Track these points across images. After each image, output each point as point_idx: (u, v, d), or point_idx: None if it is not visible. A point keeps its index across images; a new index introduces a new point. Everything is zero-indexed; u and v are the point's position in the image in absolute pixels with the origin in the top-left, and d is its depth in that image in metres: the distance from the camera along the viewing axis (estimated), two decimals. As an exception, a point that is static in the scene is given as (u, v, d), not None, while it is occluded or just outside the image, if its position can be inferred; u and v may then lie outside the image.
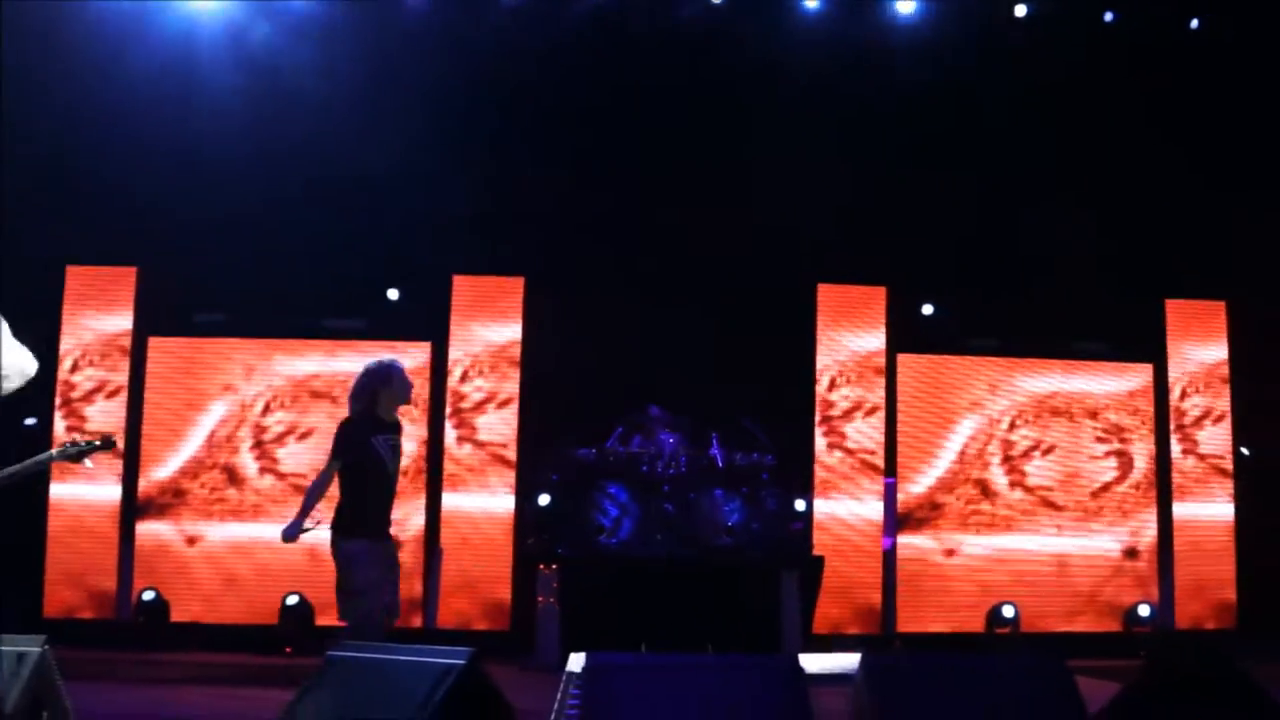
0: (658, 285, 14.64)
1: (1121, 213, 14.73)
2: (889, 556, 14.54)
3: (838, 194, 14.15)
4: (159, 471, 14.04)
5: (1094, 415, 15.05)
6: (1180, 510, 14.95)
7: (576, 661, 6.18)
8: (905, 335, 14.89)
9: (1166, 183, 14.69)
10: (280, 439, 14.14)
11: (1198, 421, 15.16)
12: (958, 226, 14.68)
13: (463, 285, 14.36)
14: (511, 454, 14.12)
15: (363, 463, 8.33)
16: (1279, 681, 7.36)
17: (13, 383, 7.03)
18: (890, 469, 14.63)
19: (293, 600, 13.59)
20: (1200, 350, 15.25)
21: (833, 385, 14.60)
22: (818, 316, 14.68)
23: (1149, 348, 15.22)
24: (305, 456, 14.01)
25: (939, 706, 6.33)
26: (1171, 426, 15.10)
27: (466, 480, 14.03)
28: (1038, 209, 14.68)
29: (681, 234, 14.44)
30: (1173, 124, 14.77)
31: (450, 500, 14.00)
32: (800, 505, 14.35)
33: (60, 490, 13.75)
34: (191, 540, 14.00)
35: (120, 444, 13.09)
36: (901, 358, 14.79)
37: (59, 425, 13.66)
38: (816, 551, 13.89)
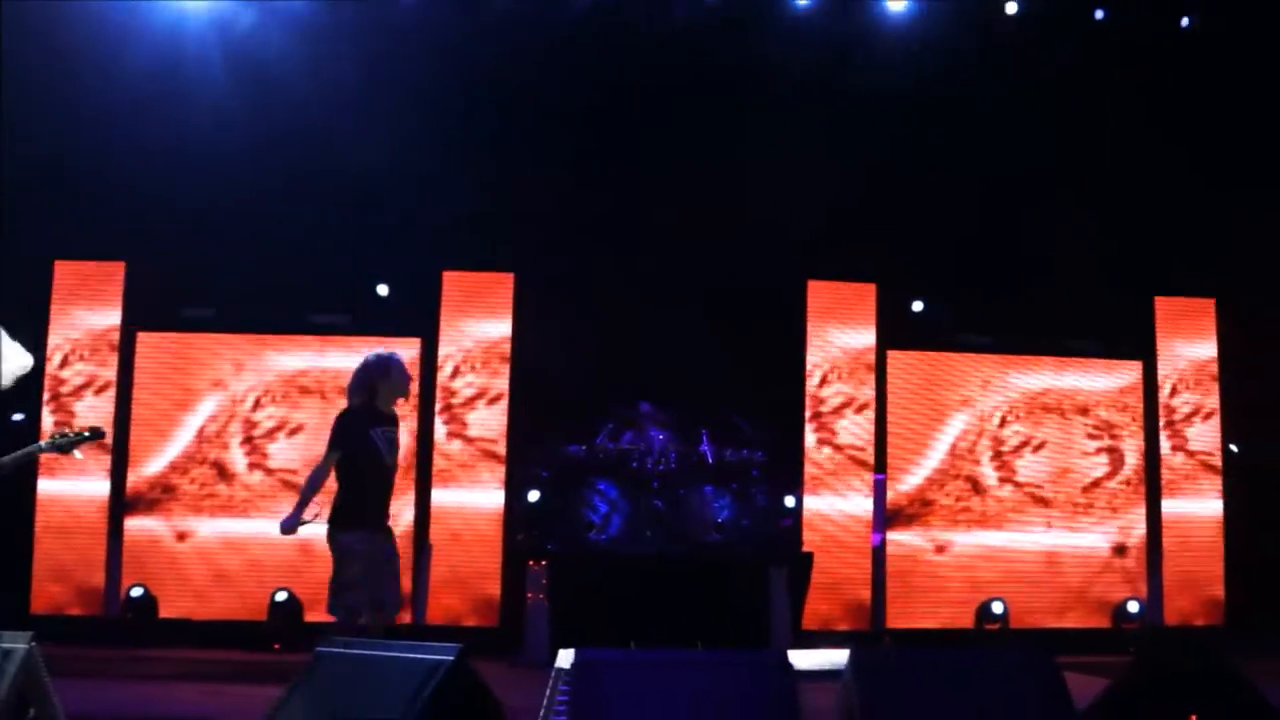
0: (648, 281, 14.67)
1: (1112, 210, 14.75)
2: (878, 553, 14.54)
3: (828, 191, 14.18)
4: (148, 467, 14.01)
5: (1084, 412, 15.06)
6: (1170, 507, 14.97)
7: (566, 658, 6.17)
8: (896, 332, 14.89)
9: (1157, 180, 14.73)
10: (270, 434, 14.11)
11: (1187, 418, 15.18)
12: (948, 223, 14.71)
13: (453, 281, 14.34)
14: (501, 450, 14.11)
15: (360, 455, 8.36)
16: (1267, 677, 7.36)
17: (8, 379, 7.02)
18: (880, 465, 14.63)
19: (282, 596, 13.58)
20: (1190, 347, 15.27)
21: (823, 382, 14.60)
22: (808, 313, 14.67)
23: (1139, 345, 15.23)
24: (295, 452, 14.00)
25: (928, 702, 6.33)
26: (1161, 423, 15.11)
27: (456, 476, 14.01)
28: (1028, 206, 14.72)
29: (672, 230, 14.46)
30: (1163, 122, 14.81)
31: (440, 496, 13.98)
32: (790, 502, 14.38)
33: (48, 486, 13.73)
34: (181, 536, 13.97)
35: (109, 439, 13.14)
36: (892, 354, 14.79)
37: (47, 421, 13.62)
38: (806, 548, 13.90)
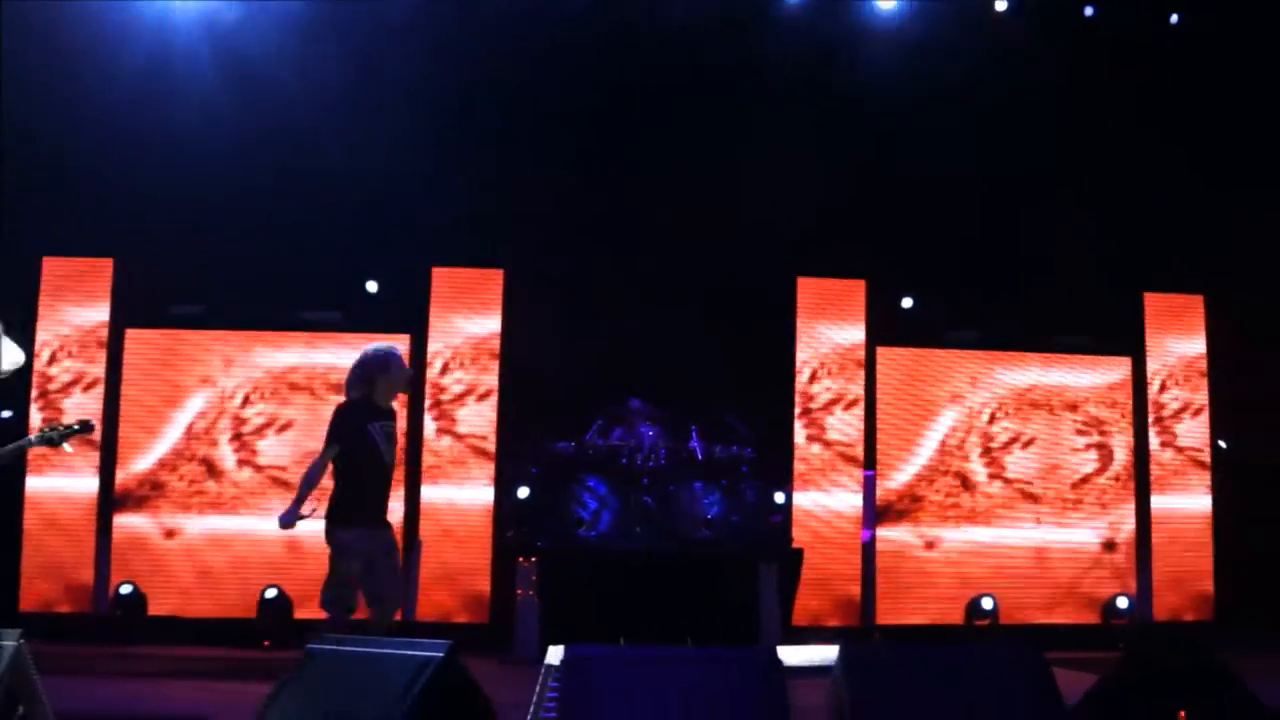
0: (638, 277, 14.68)
1: (1101, 206, 14.75)
2: (868, 549, 14.54)
3: (817, 188, 14.19)
4: (137, 464, 13.97)
5: (1074, 408, 15.08)
6: (1159, 503, 14.98)
7: (555, 654, 6.18)
8: (885, 328, 14.89)
9: (1146, 176, 14.74)
10: (259, 431, 14.08)
11: (1176, 414, 15.20)
12: (938, 220, 14.71)
13: (442, 277, 14.32)
14: (491, 446, 14.09)
15: (359, 450, 8.34)
16: (1256, 672, 7.39)
17: (2, 374, 7.03)
18: (870, 462, 14.63)
19: (271, 593, 13.55)
20: (1179, 343, 15.29)
21: (813, 378, 14.60)
22: (798, 310, 14.67)
23: (1128, 341, 15.24)
24: (284, 449, 13.98)
25: (917, 698, 6.34)
26: (1150, 419, 15.13)
27: (446, 472, 13.99)
28: (1018, 203, 14.74)
29: (662, 227, 14.47)
30: (1153, 118, 14.82)
31: (429, 492, 13.96)
32: (780, 498, 14.36)
33: (36, 483, 13.69)
34: (170, 533, 13.94)
35: (97, 436, 13.13)
36: (881, 351, 14.79)
37: (35, 418, 13.58)
38: (796, 544, 13.89)
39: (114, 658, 12.18)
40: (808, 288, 14.75)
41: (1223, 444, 15.33)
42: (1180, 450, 15.13)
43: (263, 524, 13.72)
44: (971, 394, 14.91)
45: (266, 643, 13.21)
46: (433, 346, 14.11)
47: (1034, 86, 14.78)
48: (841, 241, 14.75)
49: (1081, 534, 14.91)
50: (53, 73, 13.55)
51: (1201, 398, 15.23)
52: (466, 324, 14.20)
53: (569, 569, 12.89)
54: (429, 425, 14.02)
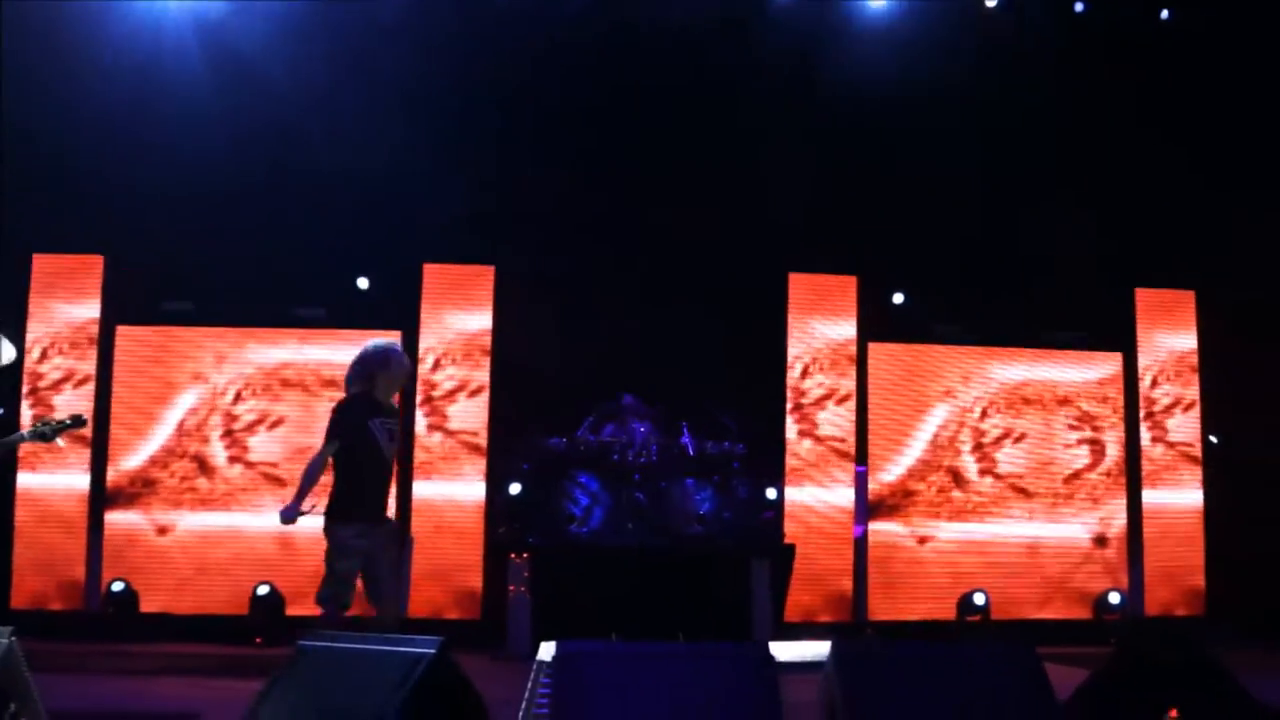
0: (629, 273, 14.69)
1: (1092, 202, 14.76)
2: (860, 544, 14.56)
3: (808, 184, 14.19)
4: (128, 461, 13.97)
5: (1065, 403, 15.10)
6: (1150, 498, 15.02)
7: (547, 650, 6.17)
8: (876, 324, 14.91)
9: (1137, 172, 14.75)
10: (251, 428, 14.08)
11: (1168, 410, 15.22)
12: (929, 216, 14.71)
13: (433, 274, 14.32)
14: (483, 442, 14.10)
15: (359, 446, 8.30)
16: (1247, 667, 7.40)
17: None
18: (861, 457, 14.65)
19: (263, 590, 13.55)
20: (1170, 339, 15.31)
21: (804, 374, 14.61)
22: (789, 305, 14.68)
23: (1120, 336, 15.27)
24: (276, 445, 13.99)
25: (909, 694, 6.34)
26: (1142, 415, 15.16)
27: (438, 469, 14.00)
28: (1010, 199, 14.76)
29: (653, 223, 14.47)
30: (1144, 114, 14.83)
31: (421, 489, 13.96)
32: (772, 493, 14.37)
33: (28, 480, 13.68)
34: (162, 530, 13.94)
35: (89, 432, 13.12)
36: (873, 346, 14.81)
37: (26, 415, 13.57)
38: (788, 540, 13.90)
39: (106, 655, 12.16)
40: (799, 283, 14.76)
41: (1214, 439, 15.35)
42: (1171, 445, 15.16)
43: (254, 520, 13.75)
44: (963, 389, 14.93)
45: (258, 639, 13.21)
46: (424, 343, 14.10)
47: (1026, 83, 14.80)
48: (833, 237, 14.75)
49: (1073, 529, 14.94)
50: (44, 70, 13.53)
51: (1193, 393, 15.26)
52: (458, 320, 14.21)
53: (561, 565, 12.89)
54: (420, 421, 14.02)
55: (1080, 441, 15.10)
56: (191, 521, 13.93)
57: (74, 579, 13.70)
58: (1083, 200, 14.71)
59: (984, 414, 14.95)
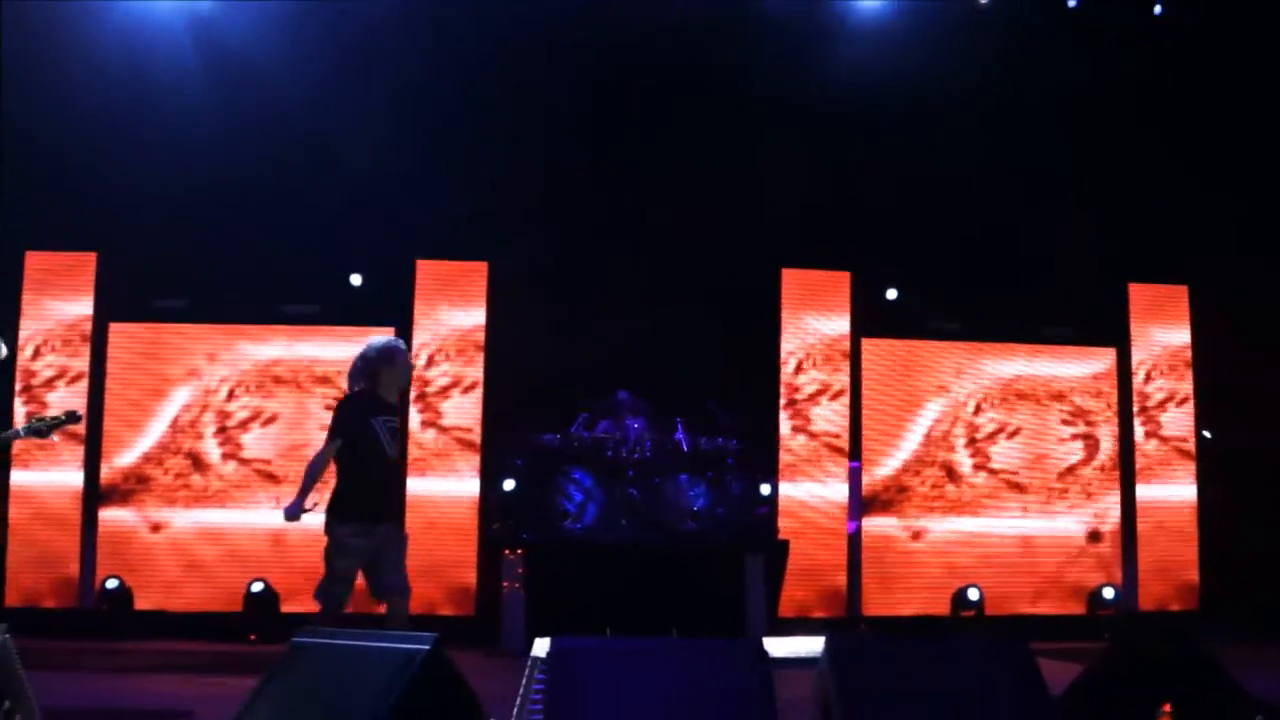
0: (623, 269, 14.69)
1: (1085, 197, 14.76)
2: (854, 540, 14.57)
3: (801, 180, 14.18)
4: (122, 458, 13.96)
5: (1059, 398, 15.11)
6: (1144, 492, 15.04)
7: (541, 646, 6.18)
8: (870, 319, 14.92)
9: (1130, 167, 14.74)
10: (244, 425, 14.08)
11: (1161, 404, 15.24)
12: (922, 212, 14.71)
13: (426, 270, 14.32)
14: (476, 439, 14.10)
15: (361, 444, 8.26)
16: (1241, 662, 7.40)
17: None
18: (855, 452, 14.66)
19: (257, 587, 13.55)
20: (1164, 334, 15.33)
21: (798, 369, 14.62)
22: (783, 301, 14.68)
23: (1113, 331, 15.28)
24: (269, 442, 13.99)
25: (903, 689, 6.34)
26: (1135, 409, 15.17)
27: (432, 465, 13.99)
28: (1003, 194, 14.71)
29: (647, 219, 14.48)
30: (1137, 109, 14.83)
31: (415, 485, 13.95)
32: (765, 489, 14.36)
33: (21, 478, 13.66)
34: (155, 527, 13.93)
35: (82, 430, 13.11)
36: (866, 342, 14.82)
37: (19, 413, 13.55)
38: (782, 535, 13.91)
39: (100, 652, 12.16)
40: (793, 279, 14.77)
41: (1207, 434, 15.36)
42: (1165, 440, 15.18)
43: (248, 517, 13.76)
44: (957, 385, 14.94)
45: (253, 636, 13.21)
46: (418, 339, 14.10)
47: (1019, 79, 14.77)
48: (826, 233, 14.75)
49: (1067, 524, 14.95)
50: (37, 68, 13.50)
51: (1186, 388, 15.28)
52: (451, 316, 14.21)
53: (555, 561, 12.89)
54: (414, 418, 14.01)
55: (1074, 436, 15.12)
56: (185, 518, 13.93)
57: (68, 576, 13.70)
58: (1076, 195, 14.72)
59: (978, 409, 14.96)
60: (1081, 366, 15.23)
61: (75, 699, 9.02)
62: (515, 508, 13.71)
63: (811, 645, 8.18)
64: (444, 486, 13.95)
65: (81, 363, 13.89)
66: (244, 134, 13.91)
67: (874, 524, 14.63)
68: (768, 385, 14.58)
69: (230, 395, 14.11)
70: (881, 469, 14.71)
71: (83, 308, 13.97)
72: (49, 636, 12.16)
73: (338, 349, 13.89)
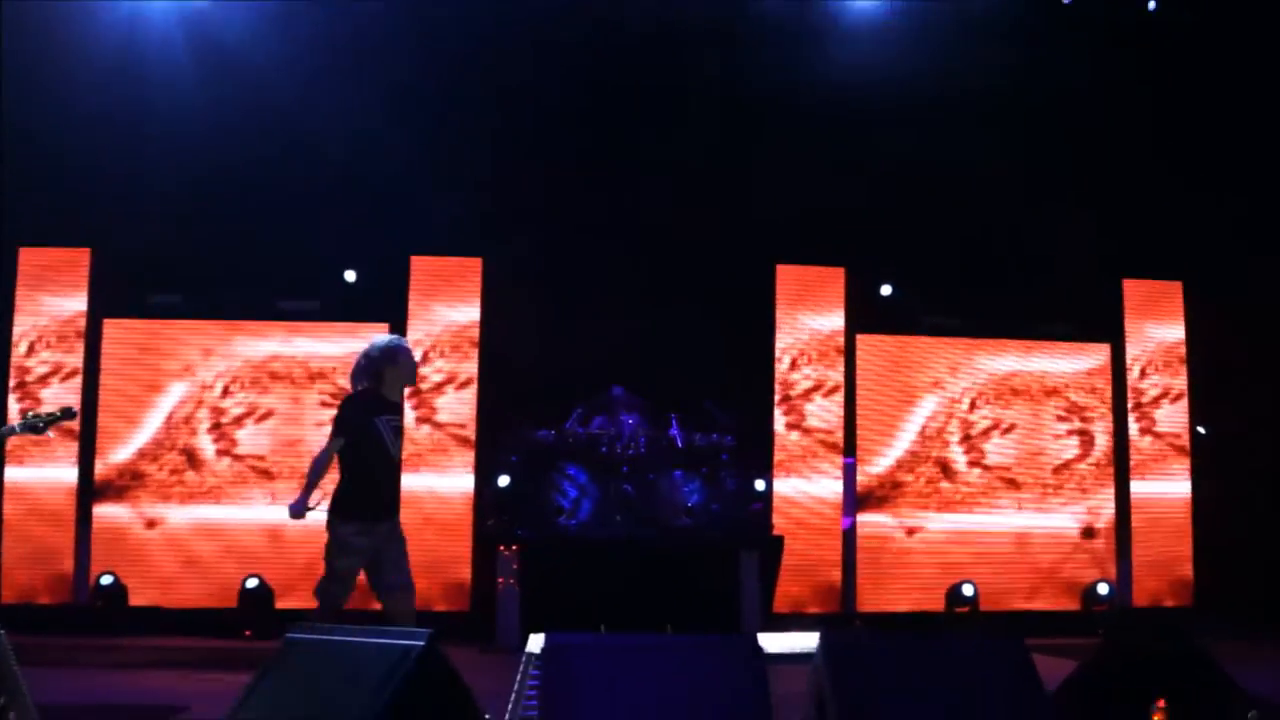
0: (617, 265, 14.69)
1: (1080, 193, 14.77)
2: (849, 536, 14.57)
3: (796, 176, 14.17)
4: (116, 454, 13.94)
5: (1054, 394, 15.11)
6: (1138, 489, 15.03)
7: (536, 642, 6.18)
8: (864, 316, 14.91)
9: (1123, 163, 14.76)
10: (239, 421, 14.06)
11: (1156, 400, 15.25)
12: (916, 208, 14.71)
13: (420, 266, 14.30)
14: (471, 435, 14.08)
15: (364, 443, 8.24)
16: (1235, 658, 7.41)
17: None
18: (850, 449, 14.65)
19: (252, 583, 13.53)
20: (1158, 330, 15.34)
21: (793, 365, 14.61)
22: (777, 297, 14.67)
23: (1108, 327, 15.29)
24: (264, 438, 13.97)
25: (897, 685, 6.35)
26: (1130, 405, 15.18)
27: (427, 461, 13.98)
28: (997, 191, 14.72)
29: (641, 215, 14.48)
30: (1130, 105, 14.84)
31: (409, 481, 13.85)
32: (760, 485, 14.37)
33: (15, 474, 13.64)
34: (150, 523, 13.91)
35: (77, 426, 13.09)
36: (861, 338, 14.80)
37: (13, 409, 13.53)
38: (776, 531, 13.92)
39: (95, 648, 12.16)
40: (787, 275, 14.76)
41: (1202, 430, 15.38)
42: (1160, 436, 15.18)
43: (243, 514, 13.75)
44: (951, 381, 14.94)
45: (247, 632, 13.21)
46: (412, 335, 14.05)
47: (1012, 75, 14.77)
48: (821, 229, 14.74)
49: (1062, 520, 14.95)
50: (31, 65, 13.49)
51: (1181, 384, 15.29)
52: (445, 313, 14.19)
53: (549, 557, 12.90)
54: (409, 414, 13.99)
55: (1069, 432, 15.12)
56: (180, 515, 13.91)
57: (62, 573, 13.68)
58: (1070, 192, 14.74)
59: (972, 405, 14.96)
60: (1076, 362, 15.23)
61: (70, 695, 9.02)
62: (510, 504, 13.71)
63: (806, 641, 8.21)
64: (439, 482, 13.92)
65: (76, 359, 13.86)
66: (238, 130, 13.90)
67: (869, 520, 14.63)
68: (762, 381, 14.58)
69: (225, 391, 14.08)
70: (876, 465, 14.70)
71: (77, 304, 13.94)
72: (44, 633, 12.16)
73: (332, 345, 13.91)
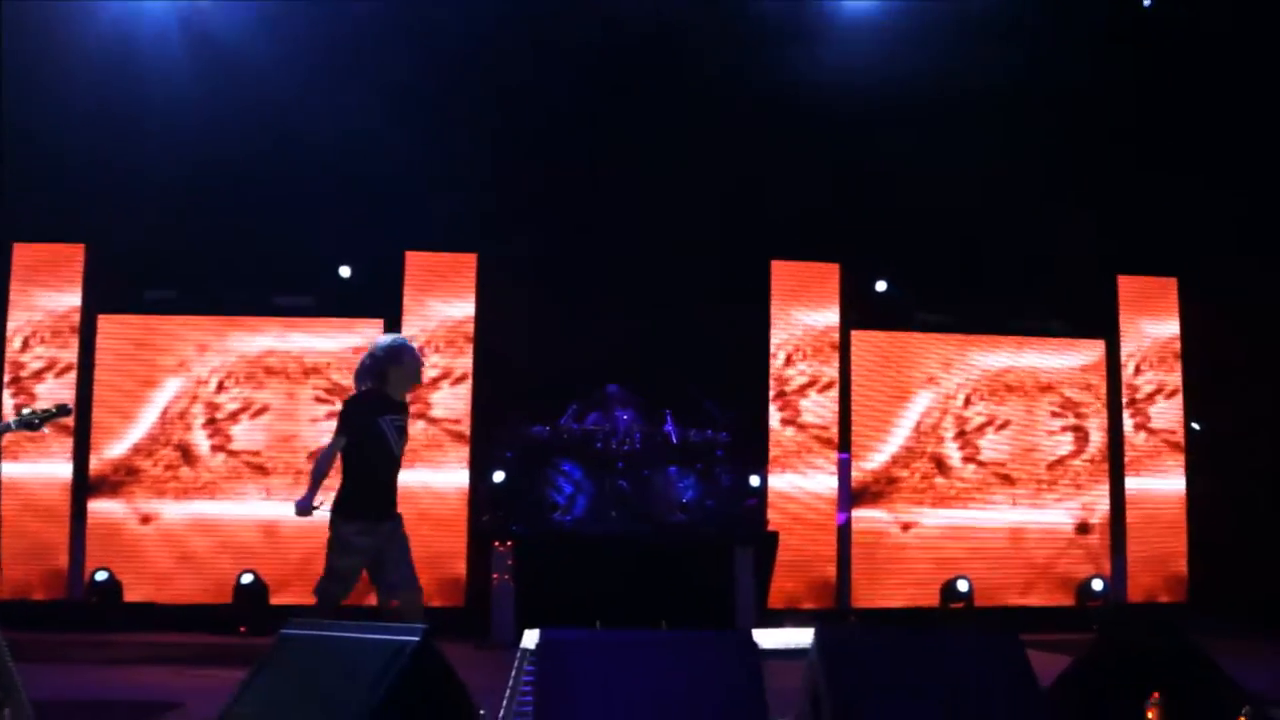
0: (612, 261, 14.68)
1: (1074, 190, 14.76)
2: (844, 531, 14.58)
3: (791, 172, 14.17)
4: (111, 450, 13.93)
5: (1048, 390, 15.12)
6: (1133, 485, 15.06)
7: (531, 638, 6.18)
8: (859, 312, 14.92)
9: (1118, 159, 14.76)
10: (233, 416, 14.05)
11: (1150, 397, 15.26)
12: (911, 204, 14.68)
13: (415, 262, 14.30)
14: (466, 430, 14.09)
15: (368, 443, 8.23)
16: (1230, 654, 7.42)
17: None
18: (845, 444, 14.66)
19: (247, 579, 13.53)
20: (1153, 326, 15.35)
21: (788, 361, 14.62)
22: (772, 293, 14.68)
23: (1102, 324, 15.30)
24: (259, 434, 13.96)
25: (892, 681, 6.35)
26: (1124, 401, 15.19)
27: (422, 457, 13.96)
28: (992, 187, 14.70)
29: (636, 210, 14.46)
30: (1124, 101, 14.83)
31: (404, 476, 13.76)
32: (755, 481, 14.37)
33: (10, 469, 13.63)
34: (145, 519, 13.90)
35: (71, 422, 13.08)
36: (855, 334, 14.82)
37: (8, 404, 13.52)
38: (771, 527, 13.92)
39: (89, 644, 12.17)
40: (782, 271, 14.77)
41: (1196, 426, 15.39)
42: (1154, 432, 15.20)
43: (238, 509, 13.75)
44: (946, 377, 14.95)
45: (242, 628, 13.21)
46: (407, 331, 14.04)
47: (1005, 71, 14.74)
48: (815, 225, 14.74)
49: (1056, 516, 14.97)
50: (22, 60, 13.46)
51: (1175, 380, 15.31)
52: (440, 308, 14.19)
53: (544, 553, 12.90)
54: (404, 410, 13.99)
55: (1063, 429, 15.14)
56: (175, 510, 13.91)
57: (57, 568, 13.67)
58: (1065, 188, 14.72)
59: (967, 401, 14.97)
60: (1070, 359, 15.25)
61: (65, 691, 9.02)
62: (505, 500, 13.70)
63: (801, 637, 8.19)
64: (434, 478, 13.92)
65: (70, 354, 13.86)
66: (232, 125, 13.87)
67: (863, 516, 14.64)
68: (757, 377, 14.58)
69: (219, 387, 14.08)
70: (871, 461, 14.72)
71: (71, 299, 13.93)
72: (38, 629, 12.15)
73: (327, 340, 13.92)
